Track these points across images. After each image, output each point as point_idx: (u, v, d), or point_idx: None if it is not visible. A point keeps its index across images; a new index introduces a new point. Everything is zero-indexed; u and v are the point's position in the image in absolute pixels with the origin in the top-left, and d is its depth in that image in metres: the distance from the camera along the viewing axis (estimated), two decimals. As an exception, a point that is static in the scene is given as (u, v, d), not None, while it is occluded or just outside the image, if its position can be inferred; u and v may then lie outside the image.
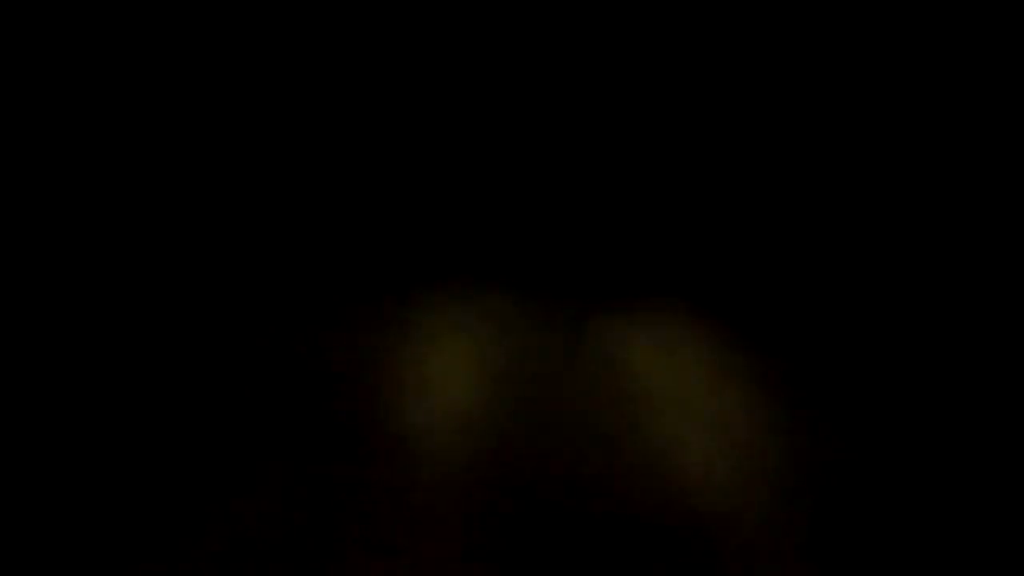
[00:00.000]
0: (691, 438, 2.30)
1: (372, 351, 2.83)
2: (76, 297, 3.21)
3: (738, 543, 1.81)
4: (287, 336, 2.96)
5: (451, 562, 1.68)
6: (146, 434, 2.18)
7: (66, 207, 3.80)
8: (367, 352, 2.82)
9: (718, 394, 2.64)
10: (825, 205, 3.80)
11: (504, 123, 3.84)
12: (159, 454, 2.07)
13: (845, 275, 3.72)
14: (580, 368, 2.79)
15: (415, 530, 1.79)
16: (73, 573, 1.57)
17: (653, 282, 3.76)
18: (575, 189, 3.95)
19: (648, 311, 3.40)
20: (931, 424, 2.56)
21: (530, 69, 3.73)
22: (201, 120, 3.90)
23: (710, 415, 2.46)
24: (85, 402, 2.36)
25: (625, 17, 3.45)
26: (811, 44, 3.54)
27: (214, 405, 2.39)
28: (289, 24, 3.64)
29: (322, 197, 4.02)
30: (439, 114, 3.90)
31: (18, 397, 2.38)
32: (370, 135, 3.93)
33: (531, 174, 3.94)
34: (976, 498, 2.09)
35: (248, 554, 1.68)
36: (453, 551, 1.72)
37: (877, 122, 3.62)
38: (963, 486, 2.15)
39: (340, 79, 3.91)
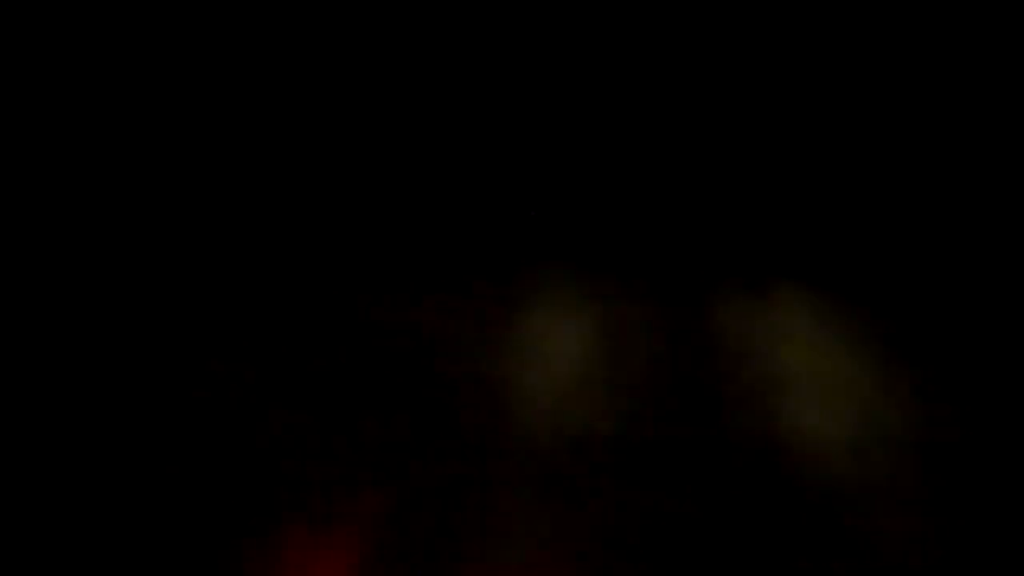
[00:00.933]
0: (811, 407, 2.27)
1: (484, 328, 2.77)
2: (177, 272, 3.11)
3: (860, 503, 1.75)
4: (397, 315, 2.90)
5: (570, 526, 1.58)
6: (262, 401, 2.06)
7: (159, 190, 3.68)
8: (480, 331, 2.77)
9: (835, 364, 2.61)
10: (934, 182, 3.79)
11: (614, 98, 3.79)
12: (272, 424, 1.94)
13: (963, 249, 3.70)
14: (696, 343, 2.76)
15: (527, 499, 1.68)
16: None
17: (768, 260, 3.75)
18: (689, 170, 3.90)
19: (763, 288, 3.40)
20: None
21: (632, 40, 3.67)
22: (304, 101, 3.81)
23: (829, 384, 2.42)
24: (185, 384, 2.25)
25: None
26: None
27: (324, 376, 2.29)
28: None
29: (428, 177, 3.96)
30: (535, 94, 3.84)
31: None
32: (463, 115, 3.87)
33: (645, 152, 3.89)
34: None
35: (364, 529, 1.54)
36: (568, 519, 1.62)
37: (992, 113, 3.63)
38: None
39: (441, 61, 3.84)
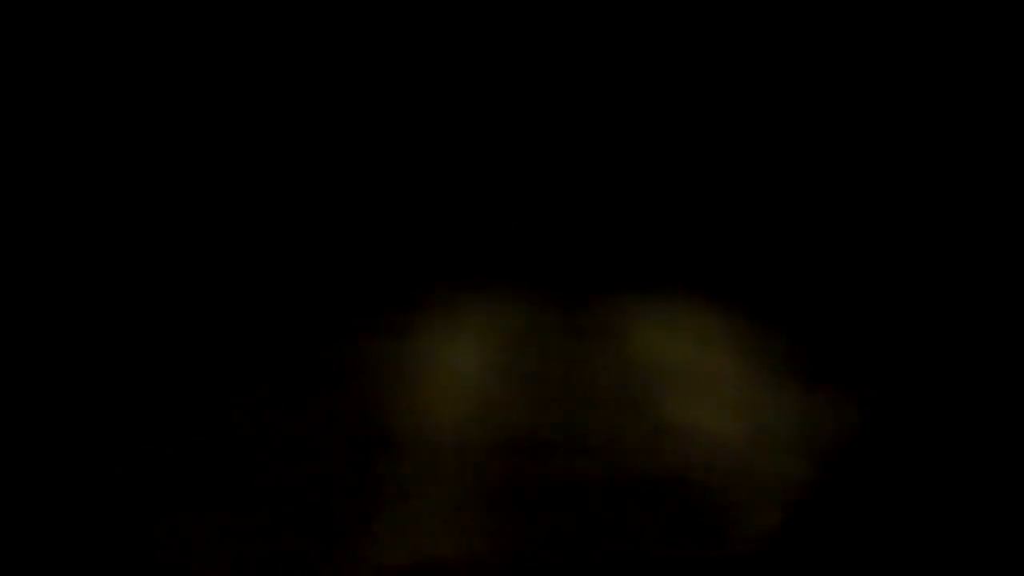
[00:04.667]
0: (702, 414, 2.35)
1: (378, 347, 2.84)
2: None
3: (748, 513, 1.82)
4: (293, 339, 2.97)
5: (465, 541, 1.68)
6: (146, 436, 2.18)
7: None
8: (373, 349, 2.83)
9: (728, 371, 2.65)
10: (837, 186, 3.81)
11: (499, 120, 3.87)
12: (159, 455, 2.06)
13: (856, 259, 3.73)
14: (588, 350, 2.82)
15: (427, 521, 1.79)
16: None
17: (660, 269, 3.79)
18: (578, 179, 3.97)
19: (656, 296, 3.43)
20: (942, 397, 2.56)
21: (526, 66, 3.76)
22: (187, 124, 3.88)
23: (721, 391, 2.47)
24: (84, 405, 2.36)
25: (618, 17, 3.49)
26: (815, 37, 3.57)
27: (221, 410, 2.39)
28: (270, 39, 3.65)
29: (317, 206, 4.05)
30: (430, 118, 3.94)
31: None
32: (359, 138, 3.95)
33: (532, 167, 3.97)
34: (989, 487, 2.09)
35: (253, 558, 1.67)
36: (467, 528, 1.73)
37: (884, 113, 3.65)
38: (975, 473, 2.15)
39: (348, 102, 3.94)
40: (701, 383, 2.58)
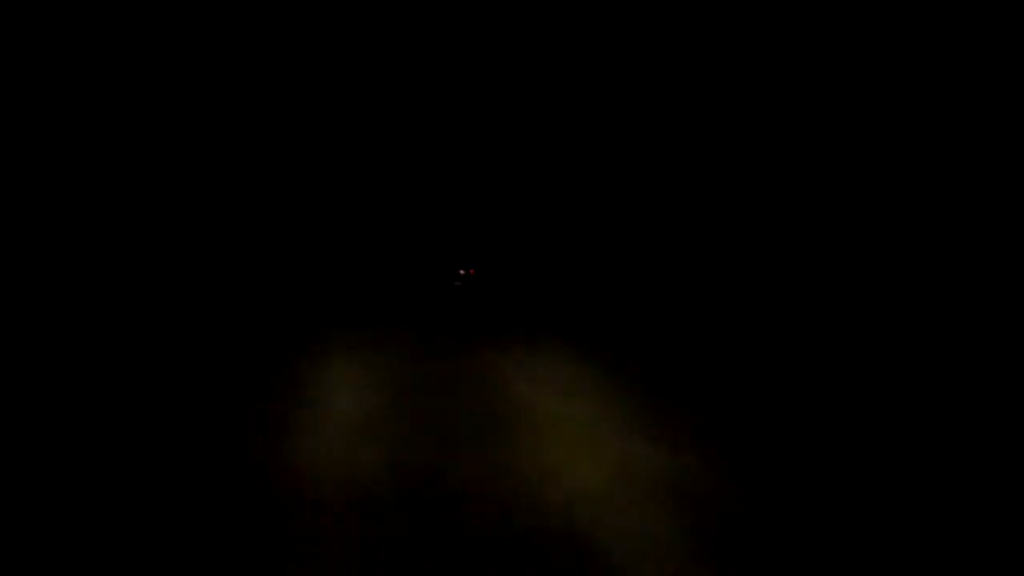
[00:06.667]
0: (566, 453, 2.43)
1: (275, 384, 2.96)
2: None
3: (610, 545, 1.95)
4: (197, 369, 3.11)
5: (343, 563, 1.89)
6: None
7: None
8: (273, 383, 2.97)
9: (590, 409, 2.70)
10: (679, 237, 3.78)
11: (402, 169, 3.91)
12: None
13: (716, 307, 3.74)
14: (466, 391, 2.97)
15: (309, 539, 2.01)
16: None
17: (532, 320, 3.84)
18: (464, 237, 4.02)
19: (528, 344, 3.47)
20: (790, 440, 2.60)
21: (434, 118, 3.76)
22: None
23: (583, 430, 2.58)
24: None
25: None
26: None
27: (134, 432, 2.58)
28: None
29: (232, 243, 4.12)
30: (339, 168, 3.97)
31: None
32: (275, 183, 4.00)
33: (427, 224, 4.04)
34: (834, 506, 2.18)
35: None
36: (346, 553, 1.94)
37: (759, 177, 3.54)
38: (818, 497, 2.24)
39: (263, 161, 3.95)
40: (572, 430, 2.63)
